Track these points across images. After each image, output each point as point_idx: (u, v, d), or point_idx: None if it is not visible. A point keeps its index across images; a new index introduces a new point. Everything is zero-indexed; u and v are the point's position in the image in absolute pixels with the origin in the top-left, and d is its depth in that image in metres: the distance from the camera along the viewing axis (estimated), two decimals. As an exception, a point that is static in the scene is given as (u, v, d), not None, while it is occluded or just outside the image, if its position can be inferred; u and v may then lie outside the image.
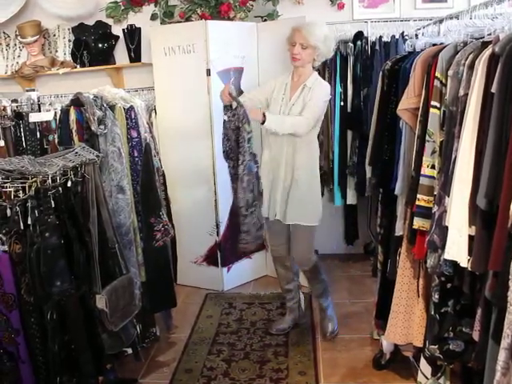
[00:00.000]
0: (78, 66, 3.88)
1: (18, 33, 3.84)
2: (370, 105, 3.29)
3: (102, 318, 2.09)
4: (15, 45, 4.01)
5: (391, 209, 2.34)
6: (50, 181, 1.81)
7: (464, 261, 1.55)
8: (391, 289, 2.30)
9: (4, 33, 4.01)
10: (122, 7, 3.85)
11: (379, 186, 2.46)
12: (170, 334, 3.01)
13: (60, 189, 1.90)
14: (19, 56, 4.01)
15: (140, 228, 2.63)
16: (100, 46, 3.84)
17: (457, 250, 1.56)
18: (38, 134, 2.33)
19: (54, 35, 3.97)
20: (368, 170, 2.56)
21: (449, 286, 1.83)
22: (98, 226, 2.13)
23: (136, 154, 2.59)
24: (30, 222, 1.71)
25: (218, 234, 3.49)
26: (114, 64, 3.95)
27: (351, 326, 2.98)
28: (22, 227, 1.70)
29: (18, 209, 1.68)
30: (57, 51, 3.98)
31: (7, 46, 4.03)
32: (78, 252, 1.94)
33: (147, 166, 2.61)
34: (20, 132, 2.34)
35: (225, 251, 3.52)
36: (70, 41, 3.94)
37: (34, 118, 2.28)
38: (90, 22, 3.90)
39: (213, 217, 3.47)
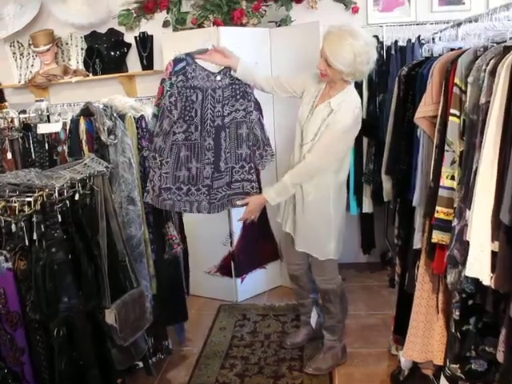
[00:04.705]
0: (91, 75, 3.86)
1: (30, 42, 3.85)
2: (385, 111, 3.21)
3: (111, 333, 2.04)
4: (29, 54, 4.02)
5: (409, 219, 2.26)
6: (56, 194, 1.77)
7: (486, 278, 1.47)
8: (410, 302, 2.21)
9: (18, 42, 4.02)
10: (134, 15, 3.83)
11: (396, 195, 2.38)
12: (183, 346, 2.95)
13: (67, 202, 1.86)
14: (32, 65, 4.01)
15: (151, 240, 2.59)
16: (112, 53, 3.82)
17: (479, 266, 1.48)
18: (47, 145, 2.30)
19: (67, 44, 3.97)
20: (384, 179, 2.48)
21: (470, 302, 1.74)
22: (107, 238, 2.08)
23: (147, 165, 2.55)
24: (35, 237, 1.67)
25: (231, 244, 3.43)
26: (127, 72, 3.92)
27: (368, 340, 2.89)
28: (26, 243, 1.66)
29: (22, 224, 1.64)
30: (69, 60, 3.97)
31: (21, 55, 4.04)
32: (86, 266, 1.90)
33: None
34: (29, 143, 2.31)
35: (239, 261, 3.46)
36: (82, 49, 3.93)
37: (42, 129, 2.26)
38: (103, 30, 3.88)
39: (226, 226, 3.40)
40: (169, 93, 2.37)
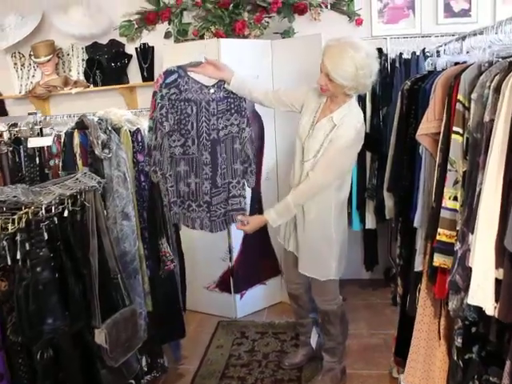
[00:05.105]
0: (92, 86, 3.83)
1: (31, 53, 3.82)
2: (389, 124, 3.14)
3: (101, 353, 1.97)
4: (30, 64, 3.99)
5: (411, 239, 2.18)
6: (43, 211, 1.71)
7: (490, 308, 1.38)
8: (411, 324, 2.13)
9: (19, 53, 4.00)
10: (136, 26, 3.79)
11: (398, 214, 2.30)
12: (179, 365, 2.87)
13: (55, 219, 1.80)
14: (33, 76, 3.99)
15: (146, 256, 2.52)
16: (113, 65, 3.78)
17: (482, 294, 1.40)
18: (38, 159, 2.24)
19: (68, 54, 3.94)
20: (386, 196, 2.41)
21: (473, 330, 1.65)
22: (99, 255, 2.01)
23: (143, 179, 2.49)
24: (18, 256, 1.61)
25: (231, 260, 3.36)
26: (128, 83, 3.88)
27: (369, 361, 2.79)
28: (9, 262, 1.60)
29: (5, 243, 1.57)
30: (70, 70, 3.94)
31: (22, 65, 4.01)
32: (74, 286, 1.83)
33: (153, 191, 2.51)
34: (19, 158, 2.25)
35: (238, 277, 3.39)
36: (83, 60, 3.90)
37: (32, 143, 2.20)
38: (104, 41, 3.85)
39: (226, 242, 3.33)
40: (159, 105, 2.32)
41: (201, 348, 3.06)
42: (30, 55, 3.90)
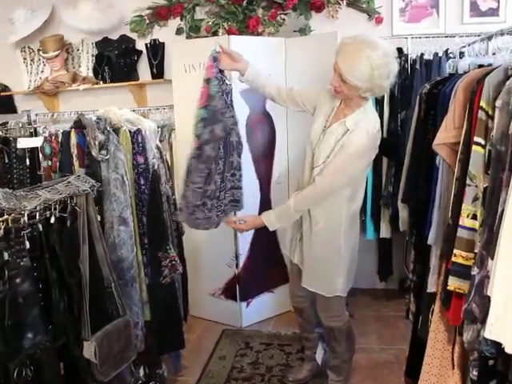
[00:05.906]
0: (101, 82, 3.72)
1: (40, 47, 3.74)
2: (407, 129, 2.96)
3: (90, 367, 1.86)
4: (39, 59, 3.91)
5: (426, 255, 2.02)
6: (25, 218, 1.59)
7: (510, 345, 1.22)
8: (424, 344, 1.97)
9: (29, 47, 3.92)
10: (147, 21, 3.68)
11: (412, 227, 2.14)
12: (178, 376, 2.75)
13: (40, 226, 1.68)
14: (43, 71, 3.91)
15: (144, 263, 2.40)
16: (122, 61, 3.67)
17: (501, 328, 1.23)
18: (28, 160, 2.13)
19: (78, 50, 3.84)
20: (400, 207, 2.25)
21: (491, 362, 1.49)
22: (92, 263, 1.90)
23: (142, 182, 2.37)
24: (-5, 267, 1.50)
25: (237, 266, 3.22)
26: (137, 80, 3.77)
27: (379, 379, 2.63)
28: (-17, 274, 1.49)
29: (-21, 253, 1.47)
30: (80, 66, 3.85)
31: (31, 60, 3.94)
32: (58, 297, 1.72)
33: (154, 194, 2.39)
34: (9, 159, 2.15)
35: (244, 284, 3.25)
36: (93, 55, 3.80)
37: (22, 143, 2.09)
38: (115, 36, 3.74)
39: (232, 247, 3.20)
40: (219, 93, 2.12)
41: (203, 358, 2.93)
42: (38, 50, 3.81)
